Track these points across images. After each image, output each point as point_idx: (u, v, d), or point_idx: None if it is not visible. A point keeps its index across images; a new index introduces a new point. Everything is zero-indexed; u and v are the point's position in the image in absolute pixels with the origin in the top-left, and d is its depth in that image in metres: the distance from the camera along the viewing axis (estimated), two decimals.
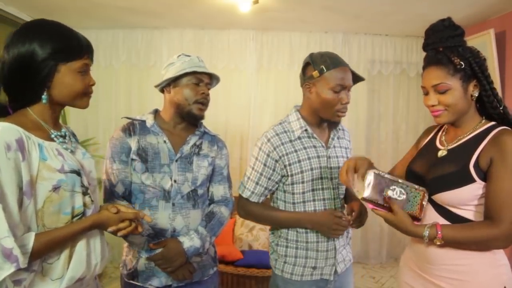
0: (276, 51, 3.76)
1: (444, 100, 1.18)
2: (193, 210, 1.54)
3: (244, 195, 1.52)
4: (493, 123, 1.20)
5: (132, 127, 1.54)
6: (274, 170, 1.47)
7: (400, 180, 1.18)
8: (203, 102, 1.55)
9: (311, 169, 1.46)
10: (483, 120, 1.23)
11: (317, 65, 1.43)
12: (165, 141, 1.53)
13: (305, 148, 1.47)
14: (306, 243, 1.48)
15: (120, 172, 1.49)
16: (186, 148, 1.56)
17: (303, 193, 1.47)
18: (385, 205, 1.18)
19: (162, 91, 1.60)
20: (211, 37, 3.72)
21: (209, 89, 1.59)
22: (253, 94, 3.80)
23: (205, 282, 1.59)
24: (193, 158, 1.56)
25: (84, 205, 1.09)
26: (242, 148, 3.85)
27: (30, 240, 0.94)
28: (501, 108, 1.20)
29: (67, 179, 1.04)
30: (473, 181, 1.14)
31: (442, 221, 1.18)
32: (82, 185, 1.08)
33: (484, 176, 1.14)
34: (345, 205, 1.57)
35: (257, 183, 1.49)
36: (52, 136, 1.08)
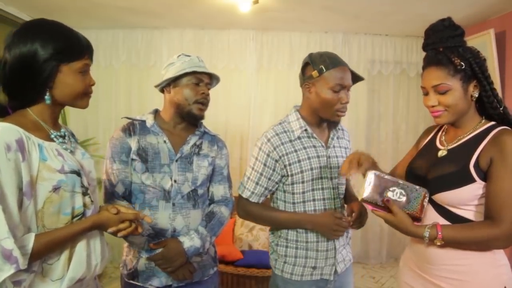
0: (276, 51, 3.76)
1: (444, 100, 1.18)
2: (193, 210, 1.54)
3: (244, 195, 1.52)
4: (493, 123, 1.20)
5: (132, 127, 1.54)
6: (274, 170, 1.47)
7: (400, 181, 1.18)
8: (203, 102, 1.55)
9: (311, 169, 1.46)
10: (483, 120, 1.23)
11: (317, 65, 1.43)
12: (165, 141, 1.53)
13: (305, 148, 1.47)
14: (306, 243, 1.48)
15: (120, 172, 1.49)
16: (186, 148, 1.56)
17: (303, 193, 1.47)
18: (385, 206, 1.18)
19: (162, 91, 1.60)
20: (211, 37, 3.72)
21: (209, 89, 1.59)
22: (253, 94, 3.80)
23: (205, 282, 1.59)
24: (193, 158, 1.56)
25: (84, 205, 1.09)
26: (242, 148, 3.85)
27: (30, 241, 0.94)
28: (501, 108, 1.19)
29: (67, 180, 1.03)
30: (473, 181, 1.14)
31: (442, 221, 1.18)
32: (82, 186, 1.08)
33: (484, 176, 1.14)
34: (345, 205, 1.57)
35: (257, 183, 1.49)
36: (52, 136, 1.08)
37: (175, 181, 1.51)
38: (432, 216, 1.21)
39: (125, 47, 3.76)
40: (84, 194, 1.09)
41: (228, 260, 2.87)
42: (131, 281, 1.51)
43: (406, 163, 1.40)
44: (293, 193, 1.48)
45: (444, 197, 1.18)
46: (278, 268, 1.51)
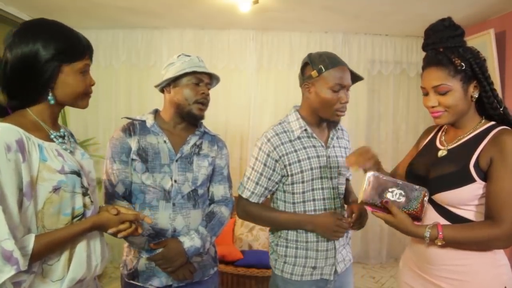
0: (276, 51, 3.76)
1: (444, 101, 1.18)
2: (194, 210, 1.54)
3: (244, 196, 1.52)
4: (493, 123, 1.20)
5: (132, 127, 1.54)
6: (274, 170, 1.47)
7: (399, 182, 1.18)
8: (203, 102, 1.55)
9: (311, 169, 1.46)
10: (483, 120, 1.23)
11: (316, 65, 1.43)
12: (165, 141, 1.53)
13: (304, 148, 1.48)
14: (306, 243, 1.48)
15: (121, 172, 1.49)
16: (186, 148, 1.56)
17: (303, 192, 1.47)
18: (384, 207, 1.18)
19: (162, 91, 1.60)
20: (211, 37, 3.72)
21: (209, 89, 1.59)
22: (253, 94, 3.80)
23: (206, 282, 1.59)
24: (193, 158, 1.56)
25: (84, 206, 1.09)
26: (242, 148, 3.85)
27: (30, 242, 0.93)
28: (501, 109, 1.19)
29: (67, 180, 1.03)
30: (473, 181, 1.14)
31: (442, 221, 1.18)
32: (82, 186, 1.08)
33: (484, 176, 1.14)
34: (345, 205, 1.57)
35: (257, 183, 1.49)
36: (52, 136, 1.08)
37: (175, 181, 1.51)
38: (432, 216, 1.21)
39: (125, 47, 3.76)
40: (84, 194, 1.09)
41: (228, 260, 2.87)
42: (132, 281, 1.51)
43: (406, 163, 1.40)
44: (293, 193, 1.48)
45: (444, 197, 1.18)
46: (278, 268, 1.51)
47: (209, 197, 1.65)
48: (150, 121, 1.55)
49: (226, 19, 3.40)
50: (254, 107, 3.80)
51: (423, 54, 1.26)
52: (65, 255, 1.03)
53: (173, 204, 1.50)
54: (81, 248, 1.06)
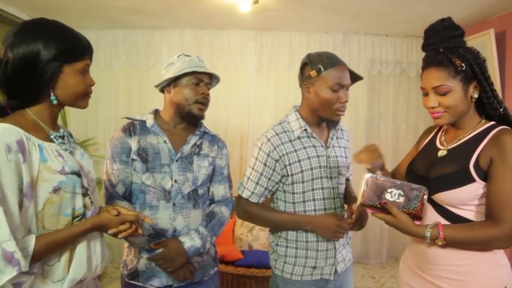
0: (276, 51, 3.76)
1: (445, 102, 1.18)
2: (194, 210, 1.54)
3: (244, 195, 1.52)
4: (492, 122, 1.20)
5: (132, 127, 1.54)
6: (274, 170, 1.47)
7: (397, 182, 1.18)
8: (203, 102, 1.55)
9: (311, 169, 1.46)
10: (483, 120, 1.23)
11: (315, 64, 1.43)
12: (165, 141, 1.53)
13: (304, 147, 1.48)
14: (306, 243, 1.48)
15: (121, 172, 1.49)
16: (187, 148, 1.56)
17: (303, 192, 1.47)
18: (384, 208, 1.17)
19: (162, 91, 1.60)
20: (211, 37, 3.72)
21: (209, 89, 1.59)
22: (253, 94, 3.80)
23: (206, 282, 1.59)
24: (194, 158, 1.56)
25: (84, 206, 1.09)
26: (242, 148, 3.85)
27: (31, 242, 0.93)
28: (501, 109, 1.19)
29: (68, 181, 1.03)
30: (473, 180, 1.14)
31: (442, 221, 1.18)
32: (82, 186, 1.08)
33: (484, 176, 1.14)
34: (345, 205, 1.57)
35: (257, 183, 1.49)
36: (52, 137, 1.08)
37: (175, 181, 1.51)
38: (432, 216, 1.21)
39: (125, 47, 3.76)
40: (84, 195, 1.09)
41: (228, 260, 2.87)
42: (132, 281, 1.51)
43: (406, 163, 1.40)
44: (293, 193, 1.48)
45: (444, 197, 1.18)
46: (278, 268, 1.51)
47: (209, 197, 1.65)
48: (150, 121, 1.55)
49: (226, 19, 3.40)
50: (254, 107, 3.80)
51: (423, 54, 1.26)
52: (65, 256, 1.03)
53: (173, 204, 1.50)
54: (81, 248, 1.06)
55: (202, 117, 1.58)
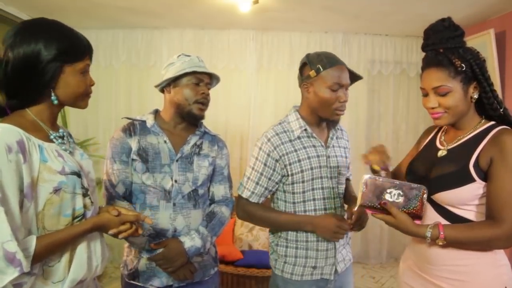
0: (276, 51, 3.76)
1: (445, 102, 1.18)
2: (194, 210, 1.54)
3: (244, 195, 1.52)
4: (492, 122, 1.20)
5: (133, 127, 1.54)
6: (274, 170, 1.47)
7: (396, 182, 1.17)
8: (203, 102, 1.55)
9: (311, 168, 1.46)
10: (483, 120, 1.22)
11: (314, 64, 1.44)
12: (165, 141, 1.53)
13: (304, 147, 1.48)
14: (306, 243, 1.48)
15: (121, 172, 1.49)
16: (187, 148, 1.56)
17: (303, 192, 1.47)
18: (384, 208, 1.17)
19: (162, 91, 1.60)
20: (211, 37, 3.72)
21: (209, 89, 1.59)
22: (253, 94, 3.80)
23: (206, 282, 1.59)
24: (194, 158, 1.56)
25: (84, 206, 1.08)
26: (242, 148, 3.85)
27: (32, 243, 0.93)
28: (501, 110, 1.19)
29: (68, 181, 1.03)
30: (473, 180, 1.14)
31: (442, 221, 1.18)
32: (83, 187, 1.08)
33: (484, 175, 1.14)
34: (345, 205, 1.57)
35: (257, 183, 1.49)
36: (51, 137, 1.08)
37: (175, 181, 1.51)
38: (432, 216, 1.21)
39: (125, 47, 3.76)
40: (84, 195, 1.09)
41: (228, 260, 2.87)
42: (132, 281, 1.51)
43: (406, 163, 1.40)
44: (293, 193, 1.48)
45: (444, 197, 1.18)
46: (278, 268, 1.51)
47: (209, 197, 1.65)
48: (150, 121, 1.55)
49: (226, 19, 3.40)
50: (254, 107, 3.80)
51: (423, 54, 1.26)
52: (65, 257, 1.03)
53: (174, 204, 1.50)
54: (81, 249, 1.06)
55: (202, 117, 1.58)
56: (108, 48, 3.75)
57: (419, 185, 1.17)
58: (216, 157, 1.64)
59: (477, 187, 1.14)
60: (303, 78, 1.48)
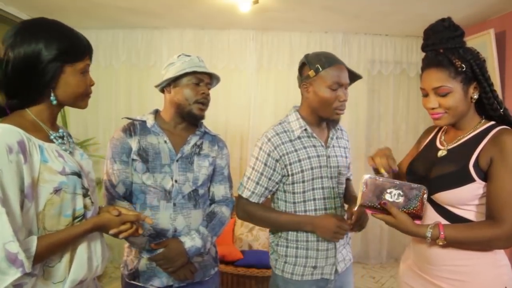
0: (276, 51, 3.76)
1: (445, 103, 1.17)
2: (194, 210, 1.54)
3: (244, 195, 1.52)
4: (492, 122, 1.20)
5: (133, 128, 1.54)
6: (274, 170, 1.47)
7: (396, 182, 1.17)
8: (204, 102, 1.55)
9: (311, 168, 1.46)
10: (483, 120, 1.22)
11: (313, 64, 1.44)
12: (165, 141, 1.53)
13: (305, 147, 1.48)
14: (307, 242, 1.48)
15: (121, 172, 1.49)
16: (187, 148, 1.56)
17: (304, 192, 1.47)
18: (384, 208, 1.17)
19: (162, 91, 1.60)
20: (211, 37, 3.72)
21: (209, 89, 1.60)
22: (253, 94, 3.80)
23: (206, 282, 1.59)
24: (194, 158, 1.56)
25: (85, 207, 1.08)
26: (242, 148, 3.85)
27: (33, 244, 0.93)
28: (501, 110, 1.19)
29: (68, 181, 1.03)
30: (473, 180, 1.14)
31: (442, 221, 1.18)
32: (83, 187, 1.08)
33: (484, 175, 1.14)
34: (345, 205, 1.57)
35: (257, 183, 1.49)
36: (51, 137, 1.07)
37: (176, 181, 1.51)
38: (432, 216, 1.21)
39: (125, 47, 3.76)
40: (85, 195, 1.09)
41: (228, 260, 2.87)
42: (132, 282, 1.51)
43: (407, 163, 1.40)
44: (293, 193, 1.48)
45: (444, 197, 1.18)
46: (278, 268, 1.51)
47: (209, 197, 1.65)
48: (150, 121, 1.55)
49: (226, 19, 3.40)
50: (254, 107, 3.80)
51: (423, 54, 1.26)
52: (66, 257, 1.03)
53: (174, 204, 1.50)
54: (82, 249, 1.06)
55: (202, 117, 1.58)
56: (108, 48, 3.75)
57: (419, 185, 1.17)
58: (216, 157, 1.64)
59: (477, 187, 1.14)
60: (303, 78, 1.49)
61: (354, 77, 1.52)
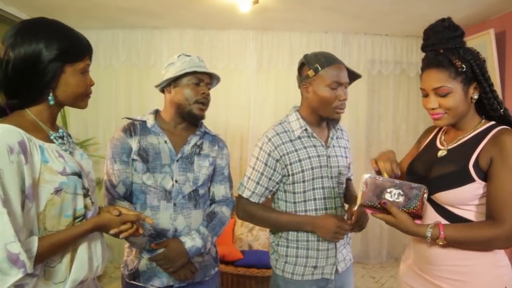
0: (276, 51, 3.77)
1: (445, 103, 1.17)
2: (195, 210, 1.54)
3: (244, 195, 1.52)
4: (492, 122, 1.20)
5: (133, 128, 1.54)
6: (275, 170, 1.47)
7: (396, 181, 1.17)
8: (204, 102, 1.56)
9: (312, 168, 1.46)
10: (483, 120, 1.22)
11: (312, 64, 1.44)
12: (166, 141, 1.53)
13: (305, 147, 1.48)
14: (307, 242, 1.48)
15: (121, 172, 1.49)
16: (187, 148, 1.56)
17: (304, 192, 1.47)
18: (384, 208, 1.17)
19: (162, 91, 1.60)
20: (211, 37, 3.72)
21: (209, 89, 1.60)
22: (253, 94, 3.80)
23: (207, 282, 1.59)
24: (194, 158, 1.56)
25: (85, 207, 1.08)
26: (242, 148, 3.85)
27: (34, 244, 0.93)
28: (501, 110, 1.19)
29: (69, 182, 1.03)
30: (473, 180, 1.14)
31: (442, 221, 1.18)
32: (83, 187, 1.08)
33: (484, 175, 1.14)
34: (345, 204, 1.57)
35: (257, 183, 1.49)
36: (51, 137, 1.07)
37: (176, 181, 1.51)
38: (431, 216, 1.21)
39: (125, 47, 3.76)
40: (85, 195, 1.09)
41: (228, 260, 2.87)
42: (133, 282, 1.51)
43: (407, 163, 1.40)
44: (294, 193, 1.48)
45: (444, 197, 1.18)
46: (279, 268, 1.52)
47: (210, 197, 1.65)
48: (150, 121, 1.55)
49: (226, 19, 3.40)
50: (254, 107, 3.80)
51: (423, 54, 1.26)
52: (67, 257, 1.03)
53: (174, 204, 1.50)
54: (82, 249, 1.06)
55: (202, 117, 1.58)
56: (108, 48, 3.75)
57: (419, 185, 1.17)
58: (217, 157, 1.64)
59: (476, 187, 1.14)
60: (302, 78, 1.49)
61: (353, 76, 1.52)
